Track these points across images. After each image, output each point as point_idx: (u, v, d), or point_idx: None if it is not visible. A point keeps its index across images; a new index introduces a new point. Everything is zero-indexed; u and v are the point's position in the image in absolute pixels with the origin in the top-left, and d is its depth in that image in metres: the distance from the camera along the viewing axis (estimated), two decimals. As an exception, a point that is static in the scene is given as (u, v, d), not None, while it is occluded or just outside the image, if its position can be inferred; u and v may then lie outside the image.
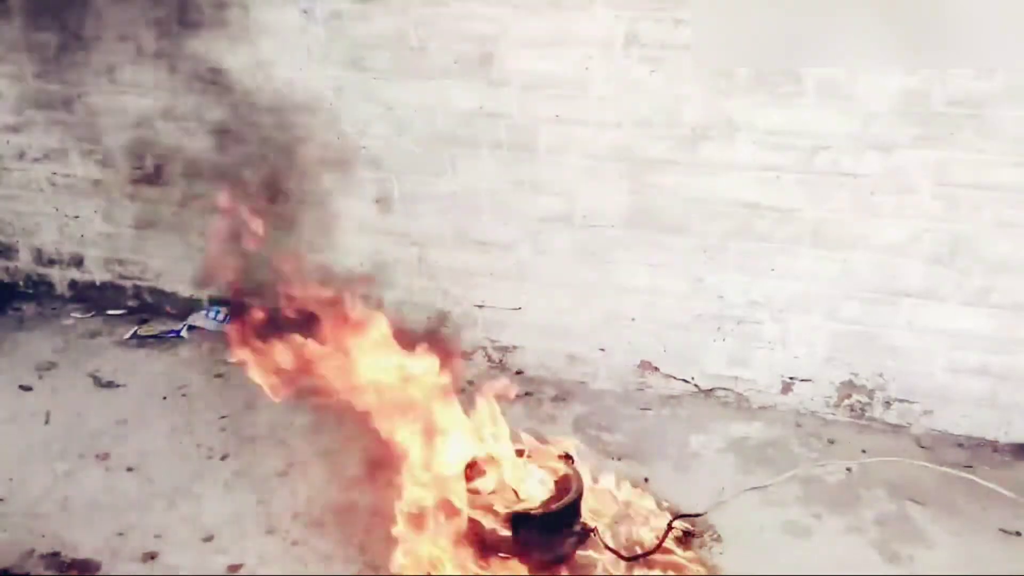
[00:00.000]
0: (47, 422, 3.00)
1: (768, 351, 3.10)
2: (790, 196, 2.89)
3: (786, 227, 2.93)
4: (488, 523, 2.19)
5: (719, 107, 2.86)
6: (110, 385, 3.29)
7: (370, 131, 3.28)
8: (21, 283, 4.09)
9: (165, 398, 3.19)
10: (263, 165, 3.43)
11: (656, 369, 3.25)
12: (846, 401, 3.07)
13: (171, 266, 3.82)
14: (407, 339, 2.54)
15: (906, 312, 2.90)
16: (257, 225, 2.93)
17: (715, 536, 2.47)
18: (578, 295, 3.25)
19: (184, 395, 3.22)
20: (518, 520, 2.17)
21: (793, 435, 2.99)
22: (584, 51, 2.93)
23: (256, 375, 2.56)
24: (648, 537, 2.40)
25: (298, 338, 2.55)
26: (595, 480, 2.55)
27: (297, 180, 3.40)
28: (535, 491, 2.26)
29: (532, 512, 2.18)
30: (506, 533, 2.17)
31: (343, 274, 3.45)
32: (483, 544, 2.23)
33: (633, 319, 3.21)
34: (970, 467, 2.79)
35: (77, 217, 3.88)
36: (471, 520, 2.24)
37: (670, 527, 2.44)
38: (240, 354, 2.60)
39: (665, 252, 3.08)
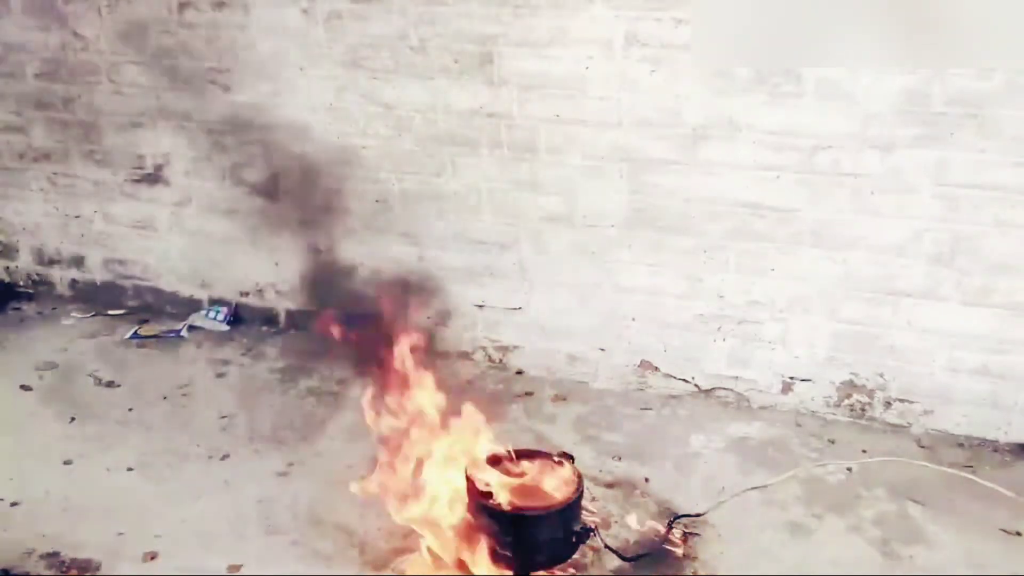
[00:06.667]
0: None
1: (768, 351, 3.10)
2: (790, 196, 2.89)
3: (786, 227, 2.93)
4: (489, 522, 2.19)
5: (719, 107, 2.86)
6: (110, 385, 3.29)
7: (370, 131, 3.29)
8: (21, 283, 4.09)
9: (165, 398, 3.19)
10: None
11: (656, 369, 3.25)
12: (846, 401, 3.07)
13: (171, 266, 3.83)
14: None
15: (906, 312, 2.90)
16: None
17: (715, 536, 2.47)
18: (578, 295, 3.25)
19: (184, 395, 3.22)
20: (519, 520, 2.16)
21: (793, 435, 2.99)
22: (584, 51, 2.93)
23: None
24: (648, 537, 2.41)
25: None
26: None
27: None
28: (535, 490, 2.25)
29: (533, 512, 2.18)
30: (507, 532, 2.17)
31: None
32: (483, 543, 2.22)
33: (633, 319, 3.21)
34: (970, 467, 2.79)
35: (77, 217, 3.88)
36: (472, 519, 2.24)
37: (670, 527, 2.45)
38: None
39: (665, 252, 3.08)
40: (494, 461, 2.32)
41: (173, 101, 3.52)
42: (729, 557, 2.39)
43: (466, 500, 2.27)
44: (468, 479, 2.27)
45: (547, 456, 2.35)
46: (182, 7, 3.36)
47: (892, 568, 2.36)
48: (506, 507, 2.17)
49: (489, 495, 2.20)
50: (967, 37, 2.52)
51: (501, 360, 3.44)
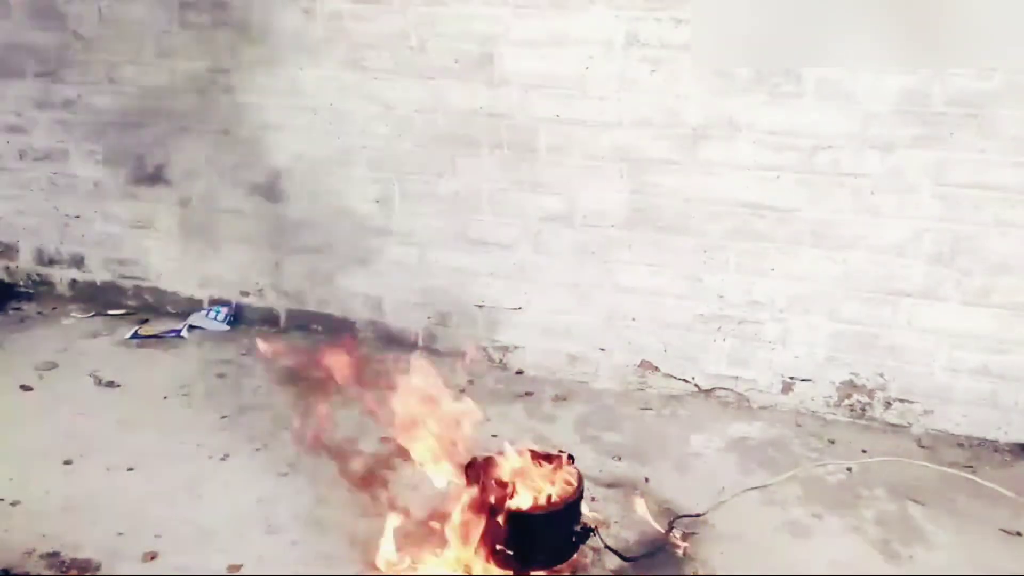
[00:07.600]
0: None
1: (768, 351, 3.10)
2: (790, 196, 2.89)
3: (786, 227, 2.93)
4: (488, 523, 2.18)
5: (719, 107, 2.86)
6: (110, 385, 3.29)
7: (370, 131, 3.29)
8: (21, 283, 4.09)
9: (165, 398, 3.19)
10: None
11: (656, 369, 3.25)
12: (846, 401, 3.07)
13: (171, 266, 3.82)
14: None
15: (906, 312, 2.90)
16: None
17: (715, 536, 2.47)
18: (578, 295, 3.25)
19: (184, 395, 3.21)
20: (519, 519, 2.16)
21: (793, 435, 2.99)
22: (584, 51, 2.93)
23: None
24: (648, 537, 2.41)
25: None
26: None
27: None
28: (536, 491, 2.25)
29: (533, 512, 2.18)
30: (507, 532, 2.16)
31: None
32: (483, 543, 2.22)
33: (633, 319, 3.21)
34: (970, 467, 2.79)
35: (77, 217, 3.88)
36: (471, 519, 2.23)
37: (671, 527, 2.45)
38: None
39: (665, 252, 3.09)
40: (495, 460, 2.32)
41: (173, 102, 3.52)
42: (729, 557, 2.39)
43: (467, 499, 2.27)
44: (468, 478, 2.27)
45: (548, 456, 2.35)
46: (182, 7, 3.36)
47: (892, 568, 2.36)
48: (507, 507, 2.18)
49: (489, 494, 2.20)
50: (967, 37, 2.53)
51: (501, 360, 3.44)
